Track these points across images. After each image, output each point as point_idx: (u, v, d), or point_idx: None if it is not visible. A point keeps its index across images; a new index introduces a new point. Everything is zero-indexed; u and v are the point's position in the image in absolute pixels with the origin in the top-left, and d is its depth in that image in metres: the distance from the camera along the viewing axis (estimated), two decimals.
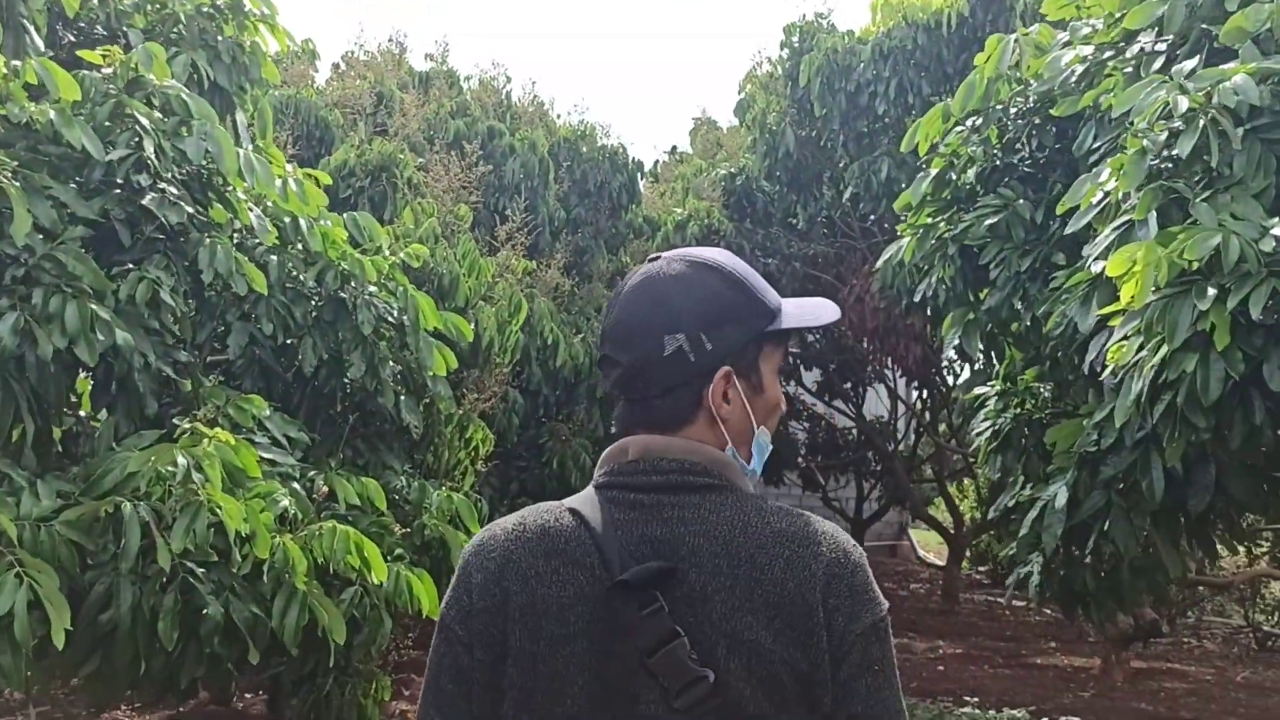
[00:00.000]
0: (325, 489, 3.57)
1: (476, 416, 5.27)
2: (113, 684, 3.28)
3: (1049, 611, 13.91)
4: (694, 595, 1.28)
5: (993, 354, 4.82)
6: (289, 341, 4.13)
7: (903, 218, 9.26)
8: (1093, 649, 10.89)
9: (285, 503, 3.34)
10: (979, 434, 5.31)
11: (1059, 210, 3.71)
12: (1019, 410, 5.14)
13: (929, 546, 19.66)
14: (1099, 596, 5.27)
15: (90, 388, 3.44)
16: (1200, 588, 11.14)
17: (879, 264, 5.75)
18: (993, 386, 5.33)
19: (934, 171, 4.70)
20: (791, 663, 1.27)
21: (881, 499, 15.83)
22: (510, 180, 8.66)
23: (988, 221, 4.31)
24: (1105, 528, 3.69)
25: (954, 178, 4.61)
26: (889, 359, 10.21)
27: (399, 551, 4.04)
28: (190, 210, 3.43)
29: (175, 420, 3.27)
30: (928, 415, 13.72)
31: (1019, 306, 4.27)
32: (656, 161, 14.18)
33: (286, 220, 3.93)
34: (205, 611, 3.08)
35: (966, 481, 16.37)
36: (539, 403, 8.07)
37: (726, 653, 1.26)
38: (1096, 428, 3.64)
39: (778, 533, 1.31)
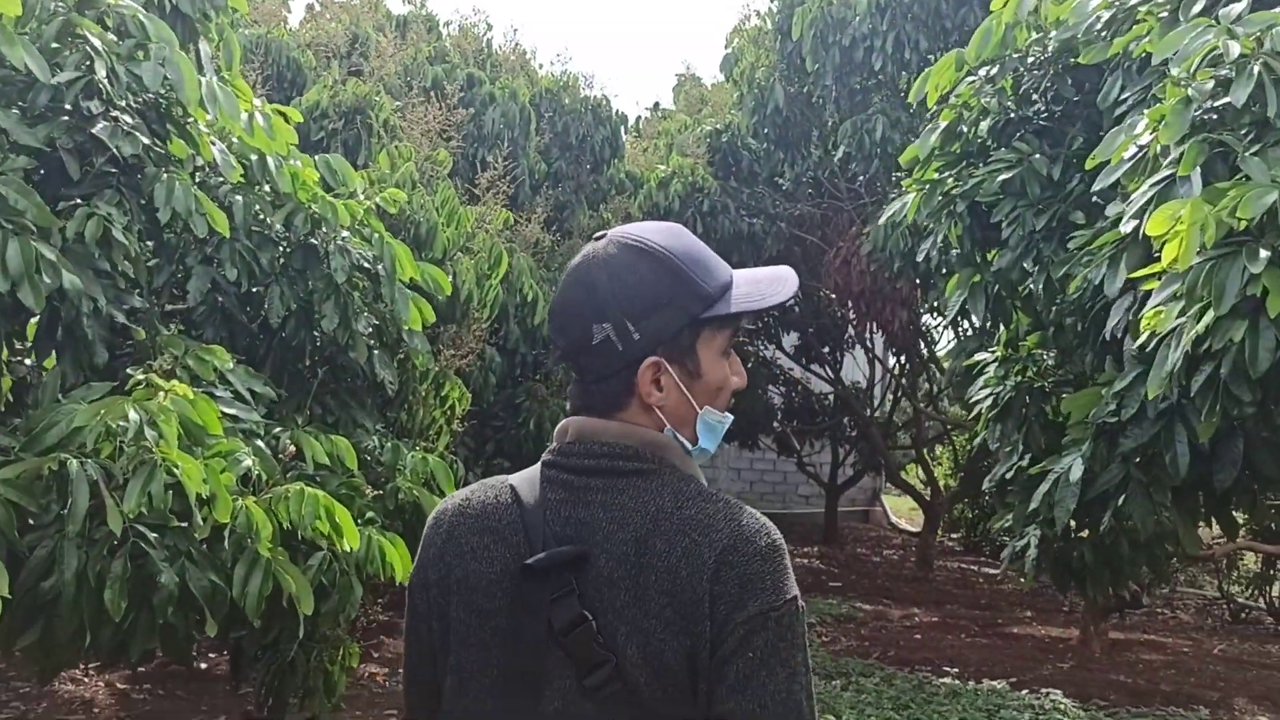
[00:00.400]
0: (292, 448, 3.29)
1: (453, 374, 5.01)
2: (55, 654, 3.02)
3: (1023, 580, 13.93)
4: (602, 580, 1.30)
5: (998, 318, 4.60)
6: (254, 290, 3.83)
7: (900, 177, 9.05)
8: (1068, 619, 10.84)
9: (248, 462, 3.06)
10: (977, 401, 5.11)
11: (1088, 164, 3.46)
12: (1020, 378, 4.94)
13: (900, 513, 19.65)
14: (1096, 571, 5.11)
15: (34, 334, 3.14)
16: (1174, 559, 11.07)
17: (881, 222, 5.49)
18: (993, 353, 5.13)
19: (943, 124, 4.44)
20: (680, 650, 1.28)
21: (857, 465, 15.71)
22: (490, 130, 8.34)
23: (1001, 177, 4.07)
24: (1121, 503, 3.48)
25: (965, 131, 4.35)
26: (874, 324, 9.99)
27: (370, 515, 3.78)
28: (146, 142, 3.11)
29: (129, 371, 2.99)
30: (904, 381, 13.57)
31: (1031, 268, 4.04)
32: (639, 117, 13.86)
33: (253, 158, 3.61)
34: (160, 579, 2.81)
35: (940, 449, 16.32)
36: (516, 362, 7.81)
37: (625, 639, 1.28)
38: (1116, 397, 3.42)
39: (685, 520, 1.32)
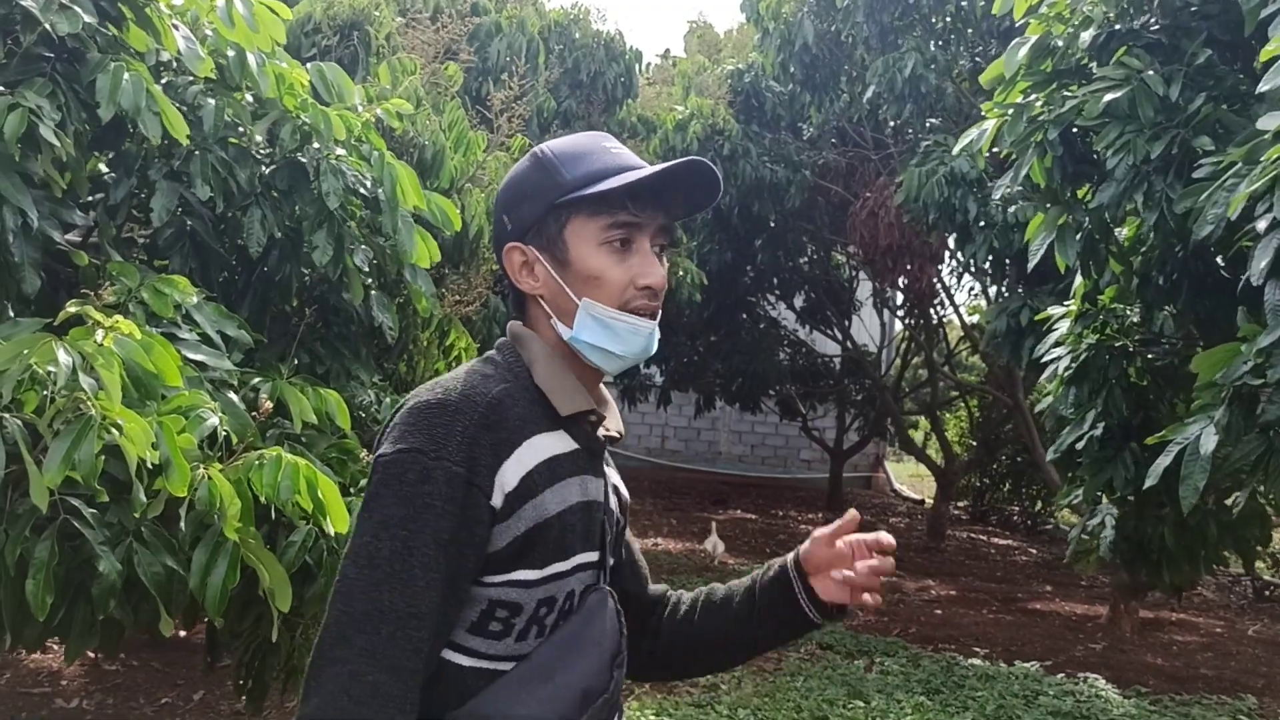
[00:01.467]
0: (269, 404, 2.69)
1: (458, 321, 4.42)
2: None
3: (1034, 552, 13.52)
4: None
5: (1088, 265, 4.00)
6: (230, 215, 3.23)
7: (933, 122, 8.46)
8: (1090, 595, 10.43)
9: (214, 420, 2.46)
10: (1049, 361, 4.54)
11: (1261, 59, 2.84)
12: (1100, 335, 4.37)
13: (901, 479, 19.23)
14: (1176, 554, 4.57)
15: None
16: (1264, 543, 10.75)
17: (913, 165, 4.89)
18: (1069, 307, 4.56)
19: (1032, 39, 3.82)
20: None
21: (862, 430, 15.23)
22: (495, 63, 7.70)
23: (1106, 98, 3.46)
24: (1261, 481, 2.92)
25: (1059, 45, 3.74)
26: (898, 282, 9.42)
27: (365, 483, 3.21)
28: (89, 20, 2.47)
29: (69, 307, 2.39)
30: (922, 342, 13.02)
31: (1140, 204, 3.45)
32: (648, 64, 13.22)
33: (230, 54, 2.99)
34: (99, 566, 2.23)
35: (947, 415, 15.83)
36: None
37: None
38: (1259, 356, 2.85)
39: None
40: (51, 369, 2.11)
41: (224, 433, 2.48)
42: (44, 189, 2.42)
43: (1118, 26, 3.62)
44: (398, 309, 3.68)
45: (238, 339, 2.80)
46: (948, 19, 7.85)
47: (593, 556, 1.44)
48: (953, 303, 11.18)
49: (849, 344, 13.63)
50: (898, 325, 15.61)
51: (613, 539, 1.52)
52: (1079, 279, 4.39)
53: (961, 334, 14.24)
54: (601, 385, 1.51)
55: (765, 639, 1.64)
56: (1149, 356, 4.27)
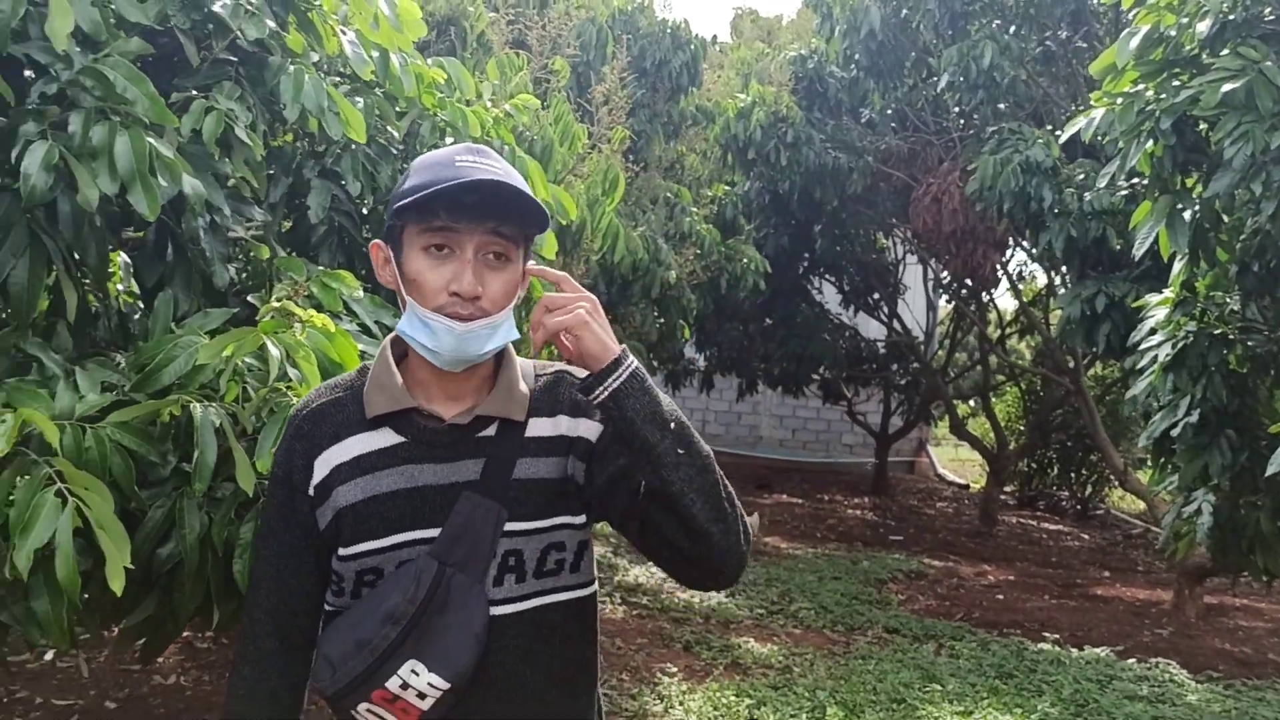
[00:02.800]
0: None
1: None
2: (167, 631, 2.58)
3: (1087, 537, 13.51)
4: None
5: (1198, 252, 4.05)
6: (368, 209, 3.33)
7: (1003, 108, 8.45)
8: (1149, 580, 10.43)
9: None
10: (1147, 348, 4.59)
11: None
12: (1200, 323, 4.41)
13: (943, 463, 19.19)
14: (1271, 541, 4.62)
15: (135, 250, 2.66)
16: None
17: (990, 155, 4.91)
18: (1166, 295, 4.60)
19: (1143, 29, 3.86)
20: None
21: (907, 414, 15.21)
22: (568, 52, 7.77)
23: (1224, 88, 3.50)
24: None
25: (1171, 35, 3.78)
26: (960, 267, 9.43)
27: None
28: (273, 25, 2.59)
29: (252, 300, 2.51)
30: (974, 326, 13.01)
31: (1257, 194, 3.49)
32: None
33: (375, 55, 3.09)
34: None
35: (994, 399, 15.79)
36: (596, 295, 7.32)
37: None
38: None
39: None
40: (255, 361, 2.22)
41: None
42: (229, 186, 2.52)
43: (1232, 17, 3.65)
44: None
45: (393, 328, 2.90)
46: (1020, 1, 7.83)
47: (428, 533, 1.62)
48: (1014, 287, 11.16)
49: (895, 327, 13.63)
50: (943, 309, 15.60)
51: (507, 507, 1.64)
52: (1177, 266, 4.43)
53: (1013, 317, 14.21)
54: (508, 372, 1.68)
55: (631, 447, 1.60)
56: (1248, 344, 4.31)
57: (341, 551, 1.65)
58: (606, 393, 1.55)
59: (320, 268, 2.85)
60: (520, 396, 1.68)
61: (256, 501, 2.34)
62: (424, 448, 1.64)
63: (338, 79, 3.11)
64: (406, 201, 1.54)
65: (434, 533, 1.62)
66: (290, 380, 2.20)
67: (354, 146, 3.03)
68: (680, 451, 1.55)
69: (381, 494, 1.62)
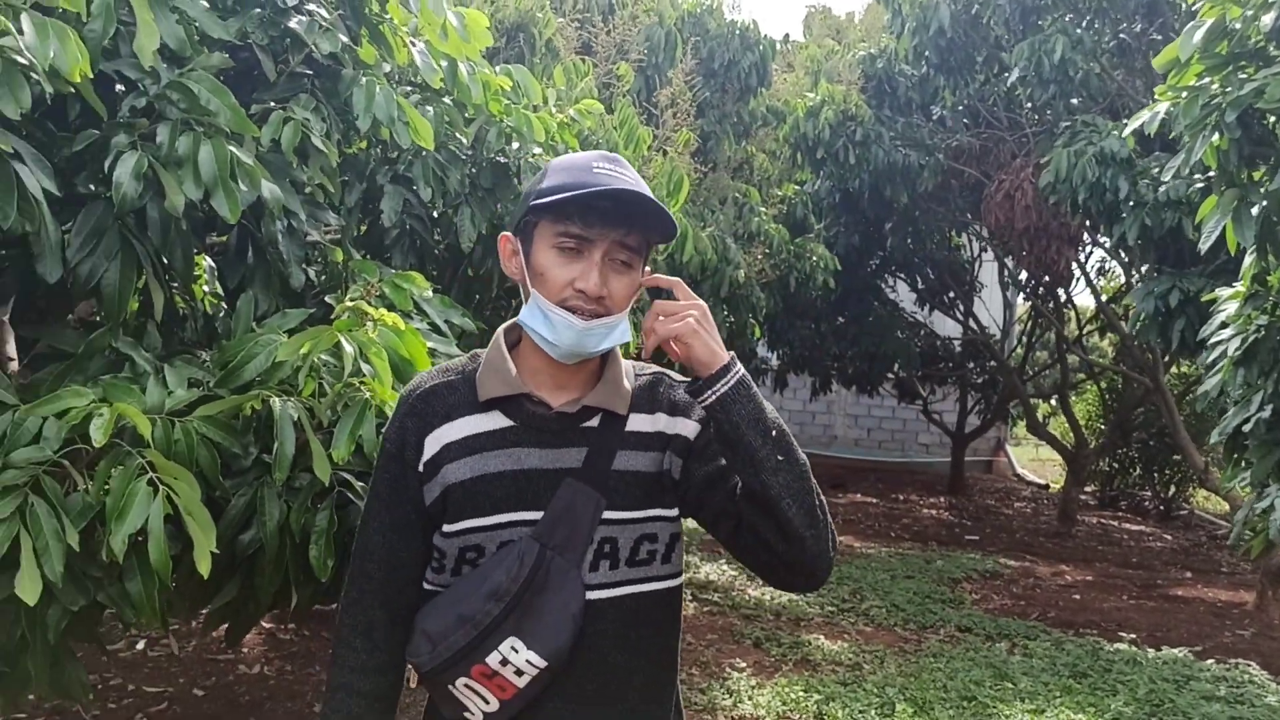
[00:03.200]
0: None
1: None
2: (249, 614, 2.73)
3: (1169, 538, 13.23)
4: None
5: (1265, 246, 4.00)
6: (438, 213, 3.47)
7: (1076, 103, 8.36)
8: (1232, 581, 10.20)
9: None
10: (1217, 342, 4.54)
11: None
12: (1272, 316, 4.36)
13: (1021, 463, 18.90)
14: None
15: (219, 254, 2.82)
16: None
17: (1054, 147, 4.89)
18: (1237, 289, 4.54)
19: (1207, 22, 3.84)
20: None
21: (984, 413, 15.03)
22: (633, 56, 7.88)
23: None
24: None
25: (1236, 28, 3.75)
26: (1034, 264, 9.33)
27: None
28: (345, 40, 2.73)
29: (327, 299, 2.64)
30: (1052, 323, 12.82)
31: None
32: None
33: (443, 64, 3.22)
34: None
35: (1074, 398, 15.53)
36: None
37: None
38: None
39: None
40: (331, 358, 2.36)
41: None
42: (305, 192, 2.67)
43: None
44: None
45: (461, 326, 3.02)
46: None
47: (531, 515, 1.69)
48: (1090, 284, 10.99)
49: (971, 326, 13.50)
50: (1020, 307, 15.39)
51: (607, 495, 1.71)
52: (1248, 260, 4.37)
53: (1091, 314, 13.98)
54: (614, 368, 1.77)
55: (734, 450, 1.68)
56: None
57: (446, 528, 1.73)
58: (714, 397, 1.63)
59: (393, 269, 2.98)
60: (624, 392, 1.76)
61: (332, 491, 2.48)
62: (531, 432, 1.72)
63: (408, 88, 3.24)
64: (544, 201, 1.63)
65: (536, 515, 1.69)
66: (364, 375, 2.32)
67: (424, 153, 3.16)
68: (780, 458, 1.63)
69: (489, 474, 1.70)
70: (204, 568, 2.07)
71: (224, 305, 2.94)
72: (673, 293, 1.71)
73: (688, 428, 1.78)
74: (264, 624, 6.52)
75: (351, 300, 2.39)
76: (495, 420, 1.73)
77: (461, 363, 1.83)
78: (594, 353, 1.69)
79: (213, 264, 2.99)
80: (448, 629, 1.67)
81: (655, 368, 1.86)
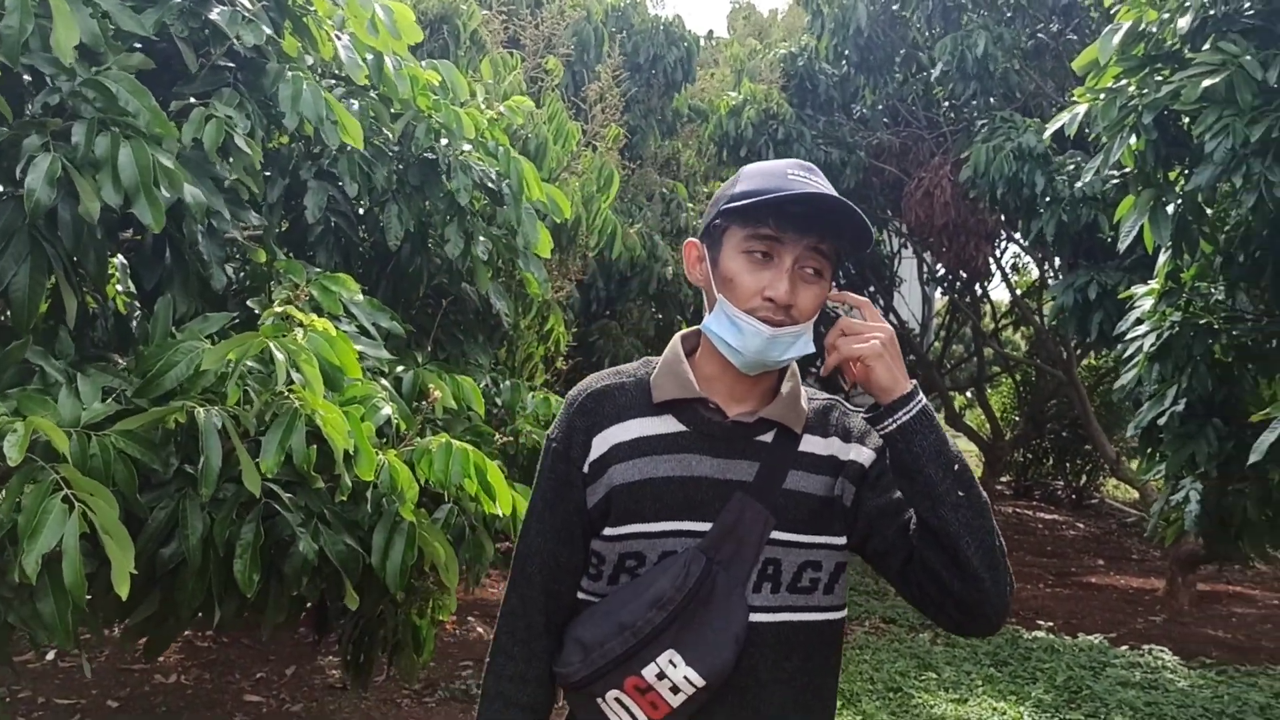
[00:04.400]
0: (437, 393, 2.85)
1: (556, 304, 4.57)
2: (169, 629, 2.63)
3: (1082, 526, 13.59)
4: None
5: (1180, 245, 4.10)
6: (363, 210, 3.38)
7: (994, 99, 8.49)
8: (1143, 568, 10.50)
9: (388, 410, 2.63)
10: (1133, 338, 4.65)
11: None
12: (1185, 313, 4.47)
13: None
14: (1258, 527, 4.68)
15: (133, 252, 2.70)
16: None
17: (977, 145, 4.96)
18: (1152, 286, 4.65)
19: (1125, 24, 3.91)
20: None
21: None
22: (561, 51, 7.80)
23: (1204, 83, 3.55)
24: None
25: (1152, 31, 3.83)
26: (953, 260, 9.49)
27: (497, 464, 3.36)
28: (269, 32, 2.63)
29: (250, 304, 2.55)
30: (969, 318, 13.08)
31: (1239, 187, 3.54)
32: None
33: (369, 58, 3.13)
34: (299, 546, 2.41)
35: (989, 390, 15.86)
36: (591, 297, 7.38)
37: None
38: None
39: None
40: (258, 365, 2.28)
41: (395, 421, 2.64)
42: (228, 191, 2.57)
43: (1213, 12, 3.70)
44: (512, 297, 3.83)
45: (390, 329, 2.95)
46: None
47: (696, 525, 1.60)
48: (1006, 279, 11.22)
49: (891, 320, 13.69)
50: (938, 302, 15.64)
51: (775, 515, 1.62)
52: (1162, 258, 4.48)
53: (1007, 309, 14.27)
54: (792, 384, 1.69)
55: (912, 483, 1.60)
56: (1233, 333, 4.36)
57: (608, 531, 1.65)
58: (895, 425, 1.56)
59: (319, 270, 2.89)
60: (801, 410, 1.68)
61: (258, 503, 2.39)
62: (704, 439, 1.64)
63: (333, 82, 3.15)
64: (736, 205, 1.57)
65: (701, 526, 1.61)
66: (293, 383, 2.25)
67: (350, 149, 3.07)
68: (960, 494, 1.55)
69: (658, 478, 1.62)
70: (122, 589, 1.98)
71: (138, 306, 2.83)
72: (860, 312, 1.64)
73: (863, 454, 1.69)
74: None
75: (280, 305, 2.30)
76: (667, 424, 1.66)
77: (633, 367, 1.75)
78: (778, 362, 1.62)
79: (125, 263, 2.87)
80: (605, 636, 1.59)
81: (828, 395, 1.78)
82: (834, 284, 1.66)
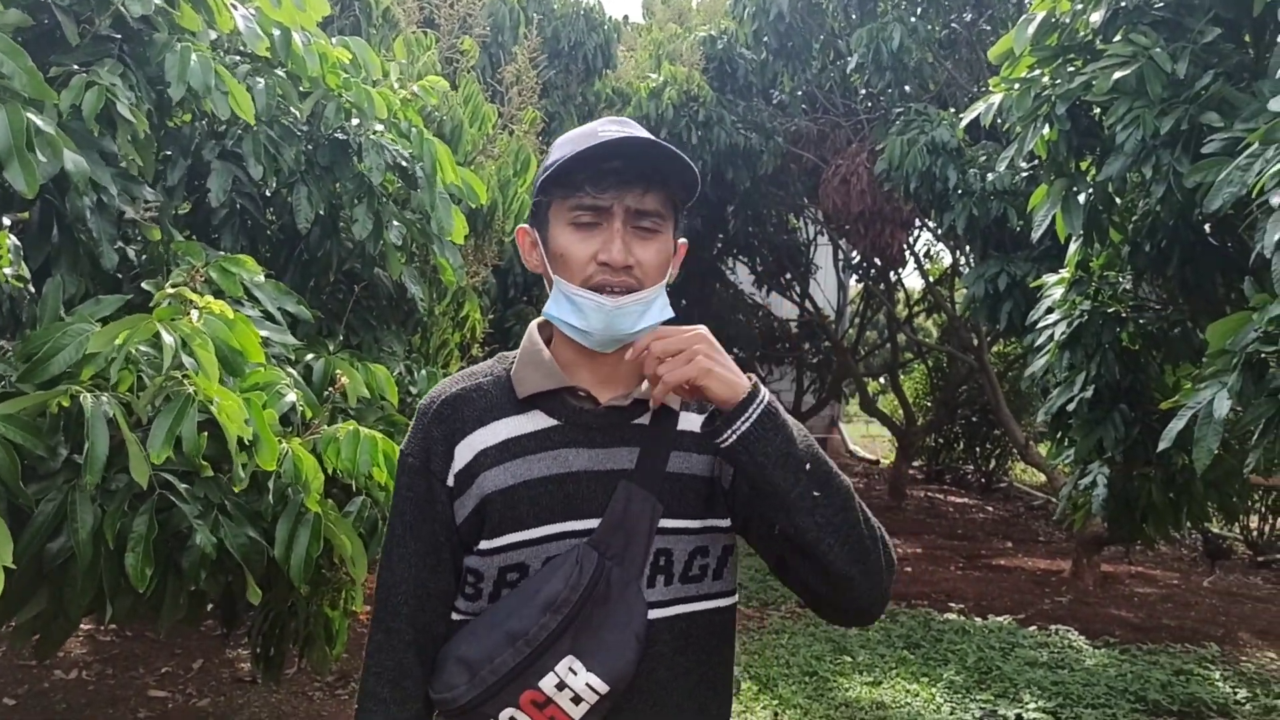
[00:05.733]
0: (344, 380, 2.75)
1: (472, 290, 4.48)
2: (60, 627, 2.50)
3: (991, 509, 13.90)
4: None
5: (1092, 234, 4.16)
6: (270, 192, 3.26)
7: (909, 91, 8.59)
8: (1049, 550, 10.77)
9: (292, 397, 2.53)
10: (1044, 326, 4.72)
11: None
12: (1094, 302, 4.55)
13: (854, 440, 19.54)
14: (1162, 511, 4.80)
15: (20, 232, 2.56)
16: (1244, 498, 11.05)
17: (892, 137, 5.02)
18: (1062, 275, 4.73)
19: (1039, 15, 3.95)
20: None
21: (819, 392, 15.47)
22: (477, 32, 7.67)
23: (1116, 75, 3.60)
24: (1273, 442, 3.09)
25: (1065, 23, 3.87)
26: (868, 247, 9.59)
27: None
28: (159, 3, 2.50)
29: (146, 286, 2.43)
30: (883, 305, 13.26)
31: (1149, 177, 3.61)
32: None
33: (276, 34, 3.01)
34: (195, 539, 2.30)
35: (902, 376, 16.12)
36: (509, 283, 7.29)
37: None
38: (1271, 324, 3.02)
39: None
40: (150, 349, 2.16)
41: (300, 409, 2.54)
42: (116, 165, 2.44)
43: (1124, 4, 3.75)
44: (426, 282, 3.74)
45: (297, 315, 2.84)
46: None
47: (580, 525, 1.50)
48: (920, 266, 11.39)
49: (807, 307, 13.80)
50: (853, 289, 15.84)
51: (661, 499, 1.52)
52: (1073, 247, 4.56)
53: (920, 295, 14.50)
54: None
55: (760, 493, 1.47)
56: (1140, 321, 4.46)
57: (483, 545, 1.52)
58: (734, 437, 1.40)
59: (221, 252, 2.77)
60: None
61: (151, 494, 2.28)
62: (577, 431, 1.52)
63: (238, 58, 3.02)
64: (549, 174, 1.47)
65: (586, 525, 1.50)
66: (186, 369, 2.14)
67: (255, 128, 2.95)
68: (816, 494, 1.41)
69: (533, 479, 1.50)
70: None
71: (30, 290, 2.68)
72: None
73: None
74: (82, 625, 6.12)
75: (174, 286, 2.19)
76: (536, 420, 1.53)
77: (486, 367, 1.62)
78: (631, 335, 1.47)
79: (18, 243, 2.72)
80: (493, 649, 1.46)
81: None
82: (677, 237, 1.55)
